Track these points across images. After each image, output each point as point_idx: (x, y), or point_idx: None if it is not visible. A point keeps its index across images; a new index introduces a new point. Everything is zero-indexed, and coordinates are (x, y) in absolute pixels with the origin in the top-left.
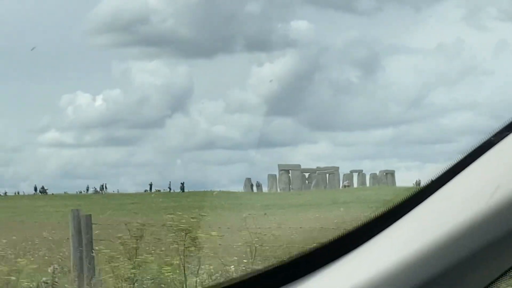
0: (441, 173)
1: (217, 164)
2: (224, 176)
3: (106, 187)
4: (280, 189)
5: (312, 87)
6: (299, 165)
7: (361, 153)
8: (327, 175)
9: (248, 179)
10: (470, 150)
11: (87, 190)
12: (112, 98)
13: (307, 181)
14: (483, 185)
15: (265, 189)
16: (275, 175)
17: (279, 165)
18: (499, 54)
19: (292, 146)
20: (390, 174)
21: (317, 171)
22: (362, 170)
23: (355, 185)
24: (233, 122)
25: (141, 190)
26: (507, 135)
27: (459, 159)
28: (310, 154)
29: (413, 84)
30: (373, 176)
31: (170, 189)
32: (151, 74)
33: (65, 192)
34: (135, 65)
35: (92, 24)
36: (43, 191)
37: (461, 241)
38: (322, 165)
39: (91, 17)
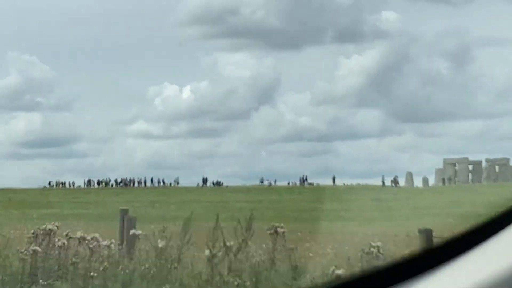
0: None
1: (301, 156)
2: (308, 167)
3: (306, 179)
4: (445, 183)
5: (400, 78)
6: (467, 158)
7: (448, 145)
8: (496, 166)
9: (410, 173)
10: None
11: (262, 181)
12: (199, 90)
13: (470, 174)
14: None
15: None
16: (441, 168)
17: (444, 159)
18: None
19: (378, 138)
20: None
21: (486, 162)
22: None
23: None
24: (319, 113)
25: (228, 182)
26: None
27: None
28: (395, 146)
29: (504, 77)
30: None
31: (303, 182)
32: (239, 66)
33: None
34: (223, 57)
35: (182, 16)
36: (219, 183)
37: None
38: (491, 156)
39: (181, 9)
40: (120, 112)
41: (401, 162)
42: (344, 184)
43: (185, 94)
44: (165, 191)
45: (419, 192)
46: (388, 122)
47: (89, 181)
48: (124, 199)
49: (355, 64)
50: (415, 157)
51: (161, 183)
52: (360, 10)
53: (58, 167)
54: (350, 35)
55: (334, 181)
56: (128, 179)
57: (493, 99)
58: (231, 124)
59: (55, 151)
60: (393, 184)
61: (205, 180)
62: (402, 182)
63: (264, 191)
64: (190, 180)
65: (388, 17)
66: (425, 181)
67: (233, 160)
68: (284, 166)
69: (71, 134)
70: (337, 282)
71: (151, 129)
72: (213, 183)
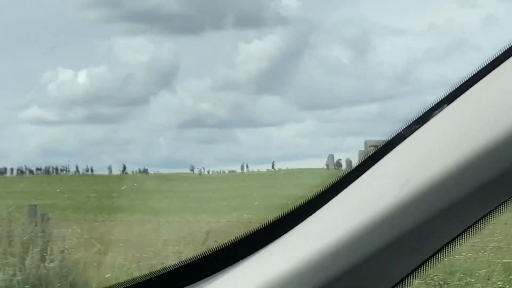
0: (352, 168)
1: (202, 143)
2: (209, 154)
3: (247, 166)
4: None
5: (301, 65)
6: None
7: (346, 130)
8: None
9: (332, 155)
10: (381, 144)
11: (192, 169)
12: (96, 75)
13: None
14: (393, 179)
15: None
16: (363, 150)
17: (366, 141)
18: (488, 30)
19: (279, 125)
20: None
21: None
22: None
23: None
24: (220, 100)
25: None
26: (416, 129)
27: (369, 154)
28: (297, 132)
29: (401, 63)
30: None
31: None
32: (137, 50)
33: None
34: (120, 41)
35: None
36: (145, 171)
37: (370, 236)
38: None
39: None
40: (12, 97)
41: (301, 147)
42: (287, 169)
43: (80, 79)
44: (99, 179)
45: None
46: (289, 109)
47: (4, 169)
48: (66, 188)
49: (256, 50)
50: (315, 141)
51: (89, 171)
52: None
53: None
54: (251, 20)
55: (273, 166)
56: (51, 167)
57: (390, 84)
58: (128, 110)
59: None
60: (336, 167)
61: (124, 168)
62: (308, 164)
63: (208, 180)
64: (85, 167)
65: (289, 3)
66: (349, 163)
67: (131, 147)
68: (184, 153)
69: None
70: (131, 283)
71: (45, 115)
72: (139, 171)
